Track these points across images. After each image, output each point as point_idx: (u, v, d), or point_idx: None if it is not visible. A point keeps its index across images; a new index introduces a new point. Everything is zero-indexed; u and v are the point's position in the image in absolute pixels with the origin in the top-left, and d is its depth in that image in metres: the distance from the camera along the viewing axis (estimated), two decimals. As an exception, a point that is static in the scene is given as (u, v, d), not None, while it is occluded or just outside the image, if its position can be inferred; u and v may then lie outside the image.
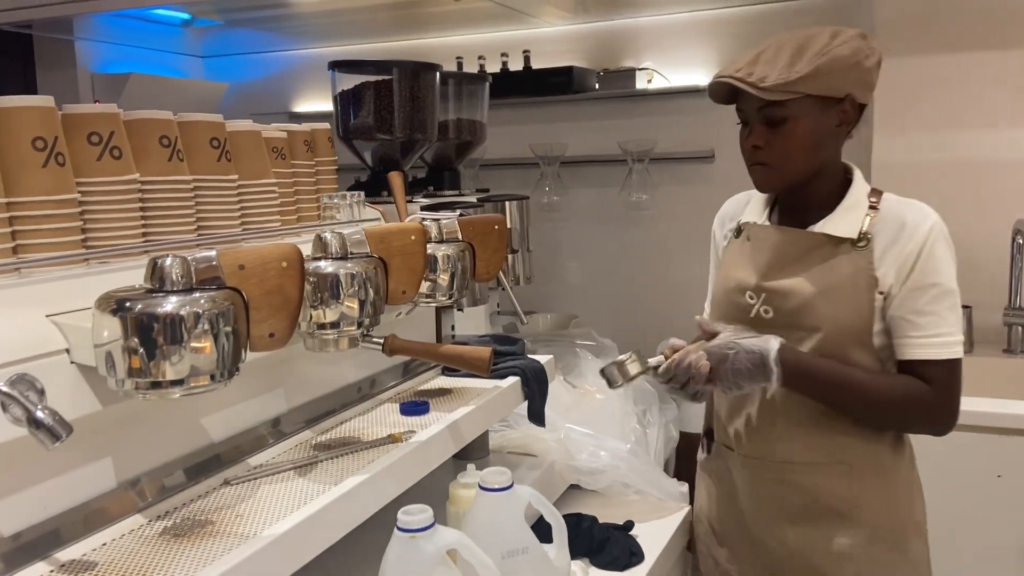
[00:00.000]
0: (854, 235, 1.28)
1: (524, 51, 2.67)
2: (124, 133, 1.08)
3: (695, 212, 2.26)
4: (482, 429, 1.47)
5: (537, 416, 1.55)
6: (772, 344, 1.24)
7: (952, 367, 1.25)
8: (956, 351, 1.26)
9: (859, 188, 1.32)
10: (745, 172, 1.33)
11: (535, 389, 1.54)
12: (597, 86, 2.61)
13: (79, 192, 1.02)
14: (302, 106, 3.07)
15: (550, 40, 2.71)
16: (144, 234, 1.11)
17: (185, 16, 2.72)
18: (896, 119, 2.26)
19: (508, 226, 1.80)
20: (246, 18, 2.66)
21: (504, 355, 1.59)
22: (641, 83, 2.57)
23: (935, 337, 1.24)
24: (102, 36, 2.75)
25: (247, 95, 3.09)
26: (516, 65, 2.68)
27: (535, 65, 2.66)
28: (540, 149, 2.67)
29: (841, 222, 1.30)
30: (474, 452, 1.61)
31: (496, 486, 1.15)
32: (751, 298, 1.34)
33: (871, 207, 1.30)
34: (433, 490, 1.24)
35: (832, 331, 1.27)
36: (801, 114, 1.24)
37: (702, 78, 2.52)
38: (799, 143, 1.26)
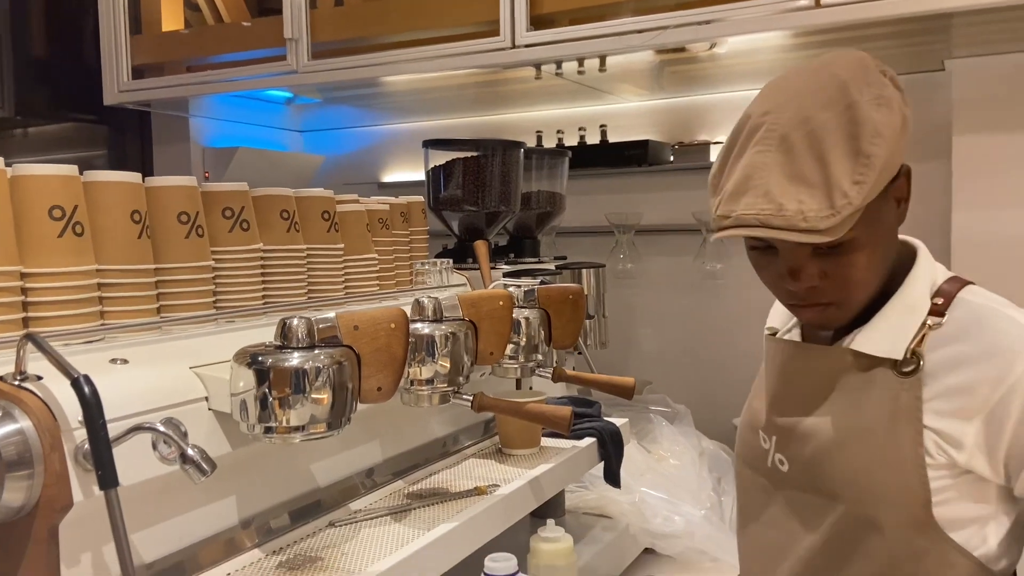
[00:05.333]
0: (898, 354, 0.88)
1: (601, 125, 2.80)
2: (252, 208, 1.22)
3: (769, 282, 2.29)
4: (562, 486, 1.53)
5: (613, 477, 1.60)
6: None
7: None
8: None
9: (919, 282, 0.91)
10: None
11: (611, 450, 1.60)
12: (672, 159, 2.71)
13: (213, 259, 1.16)
14: (390, 176, 3.26)
15: (626, 115, 2.83)
16: (263, 296, 1.25)
17: (288, 95, 2.96)
18: (978, 195, 2.26)
19: (585, 293, 1.90)
20: (342, 96, 2.88)
21: (581, 417, 1.66)
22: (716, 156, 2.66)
23: None
24: (213, 113, 3.01)
25: (341, 167, 3.30)
26: (593, 138, 2.80)
27: (612, 138, 2.78)
28: (616, 218, 2.77)
29: (882, 333, 0.90)
30: (551, 511, 1.66)
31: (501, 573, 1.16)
32: (764, 441, 1.00)
33: (934, 312, 0.88)
34: (508, 547, 1.29)
35: (856, 501, 0.88)
36: (863, 226, 0.85)
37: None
38: (866, 263, 0.88)
